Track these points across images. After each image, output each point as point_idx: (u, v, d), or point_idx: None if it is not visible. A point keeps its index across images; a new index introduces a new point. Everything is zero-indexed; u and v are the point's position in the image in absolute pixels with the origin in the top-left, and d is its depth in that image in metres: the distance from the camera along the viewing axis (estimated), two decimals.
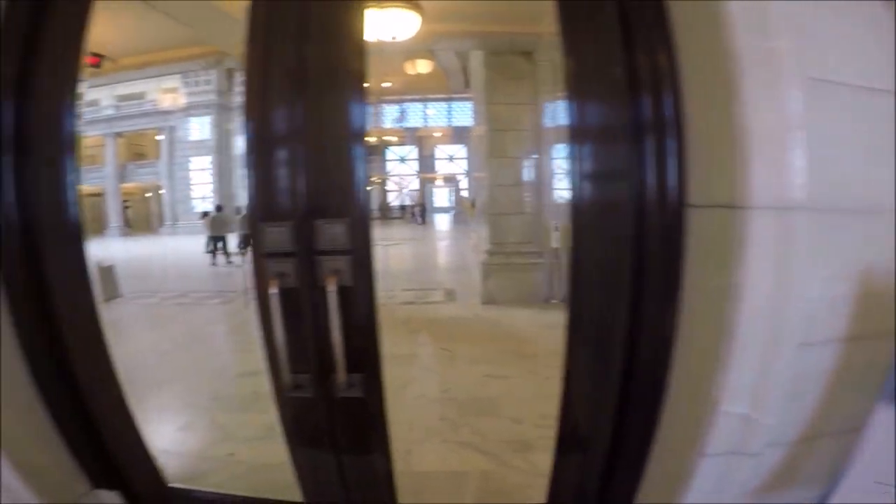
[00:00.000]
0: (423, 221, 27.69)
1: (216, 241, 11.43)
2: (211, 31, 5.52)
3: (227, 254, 11.59)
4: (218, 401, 3.53)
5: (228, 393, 3.67)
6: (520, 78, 6.29)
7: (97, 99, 28.71)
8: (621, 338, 1.15)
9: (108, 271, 8.32)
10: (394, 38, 4.79)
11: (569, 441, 1.35)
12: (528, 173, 6.38)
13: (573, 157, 1.20)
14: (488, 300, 6.22)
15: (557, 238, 6.13)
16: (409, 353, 4.38)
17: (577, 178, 1.18)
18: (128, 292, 8.05)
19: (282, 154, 1.25)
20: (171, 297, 7.62)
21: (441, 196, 40.71)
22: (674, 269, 1.05)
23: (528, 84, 6.30)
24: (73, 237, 1.30)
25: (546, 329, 5.11)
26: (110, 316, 6.49)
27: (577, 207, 1.21)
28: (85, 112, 27.15)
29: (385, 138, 34.85)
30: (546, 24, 5.71)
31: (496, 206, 6.32)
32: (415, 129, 29.71)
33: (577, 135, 1.21)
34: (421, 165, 30.62)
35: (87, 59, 5.26)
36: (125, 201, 31.22)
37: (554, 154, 6.31)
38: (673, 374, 1.08)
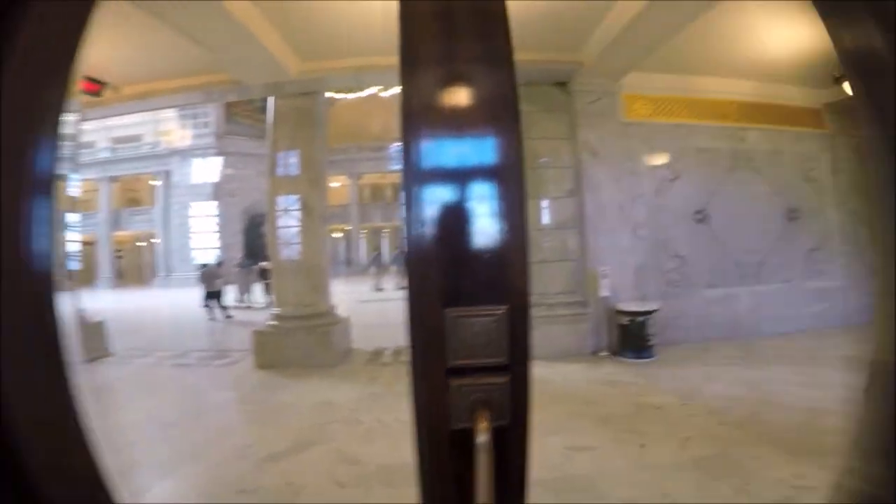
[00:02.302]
0: None
1: (210, 296, 10.68)
2: (230, 54, 4.97)
3: (224, 308, 10.84)
4: (245, 494, 2.80)
5: (257, 484, 2.93)
6: (555, 110, 5.87)
7: (93, 140, 28.59)
8: None
9: (96, 328, 7.57)
10: None
11: None
12: (567, 214, 5.81)
13: None
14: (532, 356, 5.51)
15: (607, 285, 5.51)
16: None
17: None
18: (119, 350, 7.28)
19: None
20: (169, 356, 6.81)
21: None
22: None
23: (564, 116, 5.87)
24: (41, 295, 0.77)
25: (608, 387, 4.53)
26: (98, 379, 5.83)
27: None
28: (78, 154, 26.83)
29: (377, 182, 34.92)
30: (585, 52, 5.33)
31: (537, 252, 5.72)
32: None
33: None
34: None
35: (84, 86, 4.57)
36: (117, 251, 30.43)
37: (596, 192, 5.77)
38: None
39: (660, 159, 6.17)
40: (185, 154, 24.80)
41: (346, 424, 3.81)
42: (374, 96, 22.20)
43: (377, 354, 6.17)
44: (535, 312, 5.62)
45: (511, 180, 0.72)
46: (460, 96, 0.74)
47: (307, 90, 5.90)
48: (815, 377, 4.48)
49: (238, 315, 10.78)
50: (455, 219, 0.71)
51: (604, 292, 5.54)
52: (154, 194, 26.67)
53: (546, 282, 5.72)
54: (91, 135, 28.94)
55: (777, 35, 5.32)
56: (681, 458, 2.99)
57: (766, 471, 2.73)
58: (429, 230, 0.70)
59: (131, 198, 30.81)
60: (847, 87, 4.69)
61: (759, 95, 6.64)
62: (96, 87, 5.70)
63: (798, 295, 6.57)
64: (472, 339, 0.70)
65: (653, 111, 6.20)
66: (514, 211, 0.71)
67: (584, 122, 5.82)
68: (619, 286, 5.69)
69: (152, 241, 27.05)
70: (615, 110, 5.98)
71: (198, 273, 11.22)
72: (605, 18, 4.66)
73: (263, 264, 12.43)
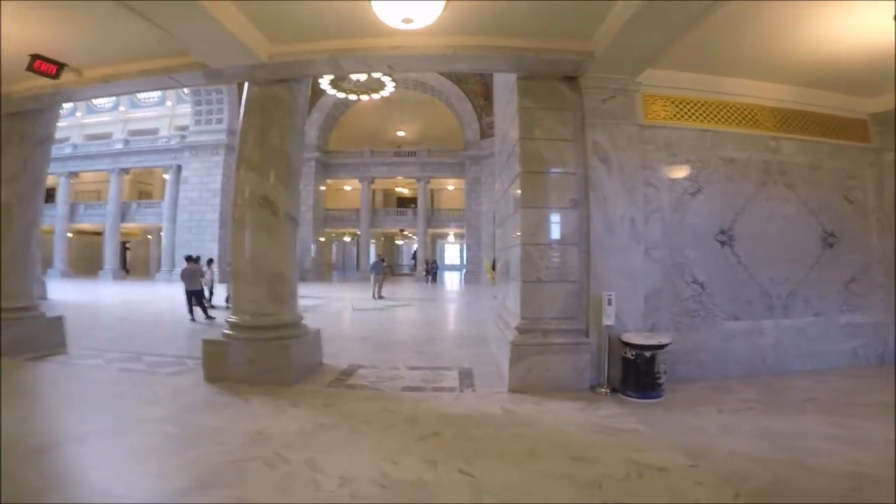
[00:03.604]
0: (434, 280, 26.36)
1: (191, 295, 10.11)
2: (192, 37, 4.45)
3: (205, 308, 10.24)
4: None
5: None
6: (561, 108, 5.15)
7: (110, 132, 28.68)
8: None
9: (54, 323, 7.05)
10: (409, 20, 3.60)
11: None
12: (569, 228, 5.04)
13: None
14: (518, 388, 4.75)
15: (612, 312, 4.72)
16: (415, 478, 2.94)
17: None
18: (79, 348, 6.83)
19: None
20: (121, 358, 6.20)
21: (452, 253, 39.60)
22: None
23: (570, 116, 5.14)
24: None
25: (603, 435, 3.69)
26: (29, 378, 5.31)
27: None
28: (89, 144, 26.90)
29: (397, 189, 34.43)
30: (596, 41, 4.61)
31: (531, 270, 4.96)
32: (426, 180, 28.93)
33: None
34: (431, 219, 29.59)
35: (38, 66, 4.12)
36: (125, 242, 30.37)
37: (605, 204, 5.00)
38: None
39: (680, 169, 5.39)
40: (196, 149, 24.59)
41: (267, 464, 3.09)
42: (389, 99, 21.78)
43: (346, 374, 5.45)
44: (527, 340, 4.94)
45: None
46: None
47: (281, 76, 5.28)
48: (855, 430, 3.67)
49: (223, 317, 10.16)
50: None
51: (608, 320, 4.75)
52: (164, 188, 26.55)
53: (541, 305, 4.96)
54: (107, 126, 29.22)
55: (818, 33, 4.56)
56: None
57: None
58: None
59: (142, 190, 30.84)
60: None
61: (795, 101, 5.83)
62: (52, 68, 5.21)
63: (831, 329, 5.73)
64: None
65: (674, 113, 5.43)
66: None
67: (595, 123, 5.08)
68: (626, 314, 4.91)
69: (161, 234, 26.87)
70: (631, 111, 5.21)
71: (182, 269, 10.64)
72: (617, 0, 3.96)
73: None
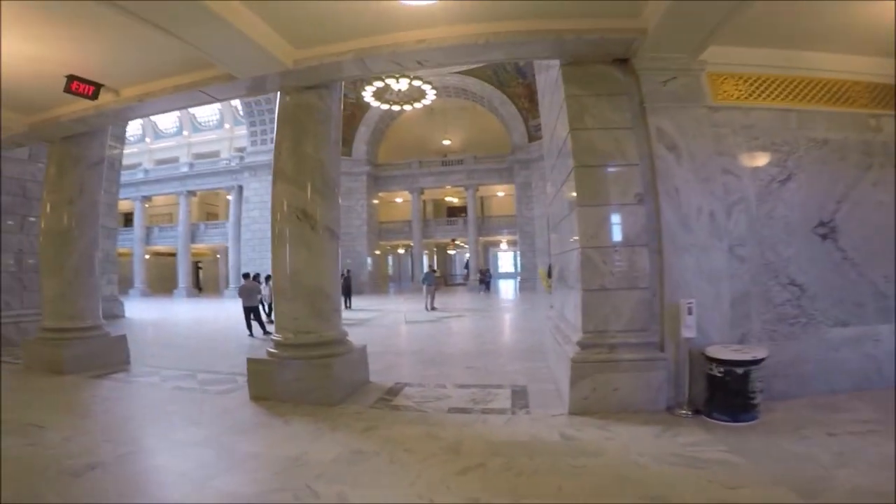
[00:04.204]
0: (488, 289, 25.80)
1: (248, 311, 10.27)
2: (217, 49, 4.38)
3: (262, 323, 10.37)
4: None
5: None
6: (615, 94, 4.60)
7: (176, 157, 30.48)
8: None
9: (118, 341, 7.27)
10: None
11: None
12: (635, 227, 4.44)
13: None
14: (580, 410, 4.19)
15: (692, 322, 4.07)
16: None
17: None
18: (141, 365, 7.00)
19: None
20: (176, 376, 6.22)
21: (505, 260, 38.90)
22: None
23: (627, 101, 4.57)
24: None
25: (686, 467, 3.07)
26: (86, 395, 5.42)
27: None
28: (158, 169, 28.63)
29: (447, 199, 34.31)
30: (646, 17, 4.06)
31: (593, 276, 4.39)
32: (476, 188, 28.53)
33: None
34: (482, 227, 29.10)
35: (76, 87, 4.10)
36: (198, 262, 32.14)
37: (676, 197, 4.38)
38: None
39: (764, 155, 4.66)
40: (255, 169, 25.59)
41: (295, 497, 2.78)
42: (432, 108, 21.66)
43: (392, 393, 5.10)
44: (590, 356, 4.31)
45: None
46: None
47: (309, 82, 5.10)
48: None
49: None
50: None
51: (688, 332, 4.10)
52: (228, 208, 27.82)
53: (606, 315, 4.37)
54: (173, 151, 31.17)
55: None
56: None
57: None
58: None
59: (209, 212, 32.56)
60: None
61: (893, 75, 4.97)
62: (89, 88, 5.29)
63: None
64: None
65: (749, 93, 4.73)
66: None
67: (657, 108, 4.50)
68: (709, 323, 4.25)
69: (228, 253, 28.12)
70: (698, 92, 4.58)
71: (239, 286, 10.87)
72: None
73: None
